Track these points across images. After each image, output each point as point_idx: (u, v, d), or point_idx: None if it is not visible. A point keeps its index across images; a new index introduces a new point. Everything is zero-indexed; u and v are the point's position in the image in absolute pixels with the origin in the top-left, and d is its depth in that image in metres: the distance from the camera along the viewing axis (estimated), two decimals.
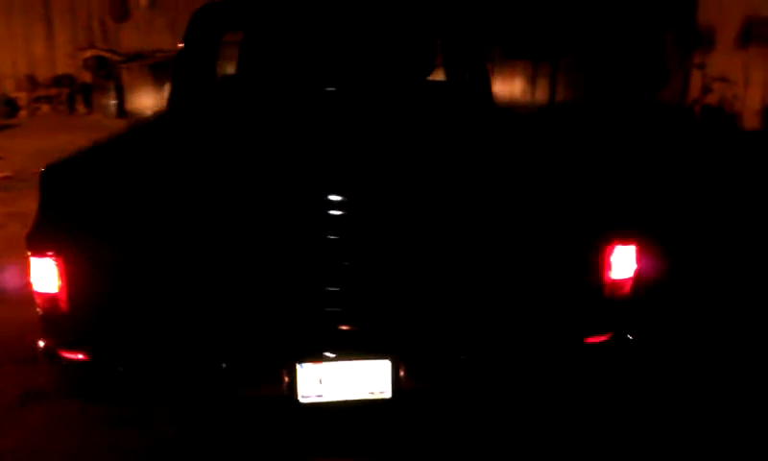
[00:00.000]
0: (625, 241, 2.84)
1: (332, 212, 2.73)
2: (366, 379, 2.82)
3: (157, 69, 12.79)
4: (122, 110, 13.03)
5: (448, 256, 2.77)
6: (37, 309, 2.81)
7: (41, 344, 2.85)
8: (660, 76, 13.55)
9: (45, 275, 2.73)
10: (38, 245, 2.72)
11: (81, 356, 2.80)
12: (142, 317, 2.75)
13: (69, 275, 2.71)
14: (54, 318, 2.79)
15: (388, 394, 2.84)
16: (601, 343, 2.92)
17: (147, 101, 12.93)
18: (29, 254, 2.74)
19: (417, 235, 2.76)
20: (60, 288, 2.73)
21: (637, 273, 2.88)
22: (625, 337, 2.92)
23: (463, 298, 2.81)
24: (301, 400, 2.81)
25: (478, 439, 3.18)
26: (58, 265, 2.71)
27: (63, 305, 2.75)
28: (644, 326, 2.96)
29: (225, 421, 3.14)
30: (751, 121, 10.92)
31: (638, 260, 2.87)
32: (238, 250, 2.74)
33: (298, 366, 2.78)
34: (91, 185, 2.78)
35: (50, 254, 2.70)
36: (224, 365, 2.76)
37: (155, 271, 2.74)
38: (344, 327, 2.81)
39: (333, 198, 2.72)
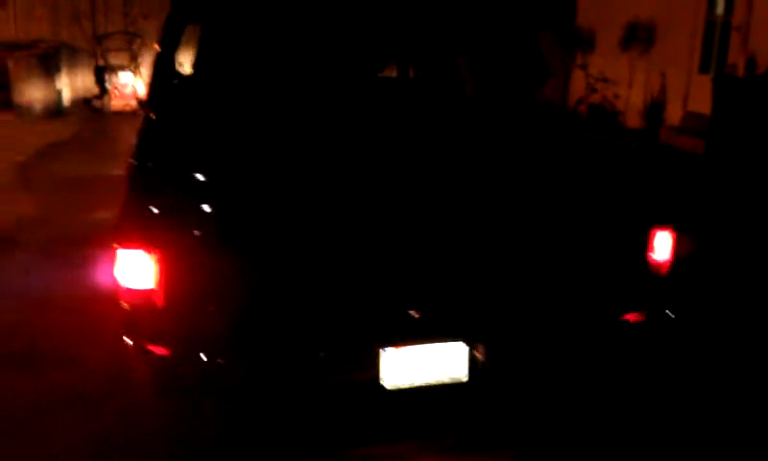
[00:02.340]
0: (664, 227, 3.19)
1: (410, 211, 2.90)
2: (444, 363, 3.01)
3: (46, 60, 12.25)
4: (8, 102, 12.35)
5: (516, 245, 3.02)
6: (123, 304, 2.80)
7: (130, 341, 2.84)
8: (543, 75, 14.30)
9: (137, 270, 2.73)
10: (132, 239, 2.72)
11: (174, 351, 2.81)
12: (239, 312, 2.81)
13: (164, 270, 2.73)
14: (145, 314, 2.79)
15: (465, 377, 3.03)
16: (646, 319, 3.25)
17: (37, 92, 12.36)
18: (117, 247, 2.73)
19: (487, 228, 2.98)
20: (157, 283, 2.74)
21: (674, 256, 3.22)
22: (665, 313, 3.27)
23: (530, 284, 3.06)
24: (385, 384, 2.96)
25: (540, 417, 3.43)
26: (154, 260, 2.72)
27: (157, 301, 2.76)
28: (682, 304, 3.30)
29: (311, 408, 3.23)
30: (633, 120, 11.78)
31: (675, 245, 3.22)
32: (327, 246, 2.85)
33: (381, 351, 2.93)
34: (186, 178, 2.80)
35: (145, 248, 2.70)
36: (321, 353, 2.87)
37: (250, 267, 2.80)
38: (420, 314, 2.98)
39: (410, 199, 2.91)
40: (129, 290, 2.77)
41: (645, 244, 3.16)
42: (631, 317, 3.28)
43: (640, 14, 11.41)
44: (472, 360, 3.04)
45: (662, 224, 3.17)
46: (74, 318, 4.34)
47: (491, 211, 3.01)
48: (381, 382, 2.97)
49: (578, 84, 13.36)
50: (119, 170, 8.58)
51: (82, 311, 4.40)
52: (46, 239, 6.10)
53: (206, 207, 2.78)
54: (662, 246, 3.20)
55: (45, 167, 9.29)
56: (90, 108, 14.07)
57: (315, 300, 2.87)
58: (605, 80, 12.32)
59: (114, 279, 2.86)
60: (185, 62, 4.89)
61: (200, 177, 2.87)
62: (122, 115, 13.62)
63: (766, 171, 8.33)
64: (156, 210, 2.73)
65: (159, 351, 2.82)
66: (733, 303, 4.75)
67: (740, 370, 4.01)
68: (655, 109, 11.54)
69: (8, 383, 3.68)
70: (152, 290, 2.75)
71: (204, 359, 2.82)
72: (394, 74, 5.31)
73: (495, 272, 3.03)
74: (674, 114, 11.07)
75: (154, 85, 4.38)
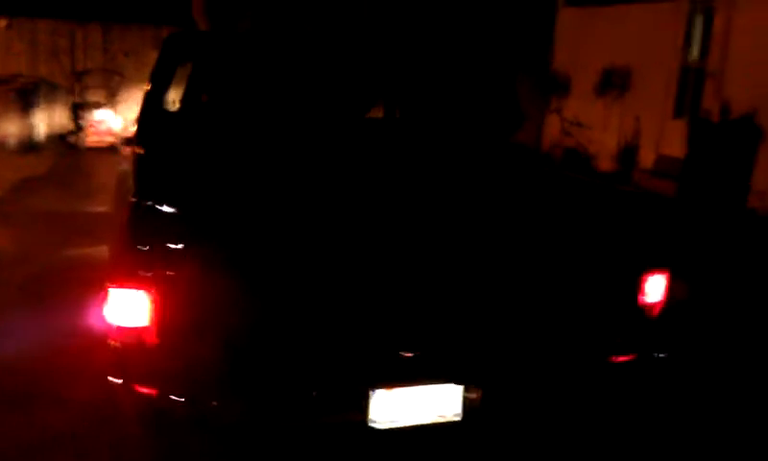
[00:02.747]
0: (657, 270, 3.22)
1: (403, 255, 2.91)
2: (435, 404, 2.99)
3: (23, 95, 12.19)
4: None
5: (509, 289, 3.03)
6: (113, 343, 2.76)
7: (116, 380, 2.79)
8: (518, 119, 14.46)
9: (130, 308, 2.70)
10: (127, 277, 2.69)
11: (165, 390, 2.77)
12: (232, 351, 2.78)
13: (157, 309, 2.70)
14: (134, 353, 2.75)
15: (458, 417, 3.02)
16: (635, 360, 3.27)
17: (12, 127, 12.28)
18: (108, 285, 2.70)
19: (480, 271, 3.00)
20: (148, 323, 2.70)
21: (666, 298, 3.26)
22: (657, 355, 3.29)
23: (522, 326, 3.07)
24: (372, 424, 2.94)
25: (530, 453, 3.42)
26: (148, 299, 2.69)
27: (147, 340, 2.72)
28: (672, 345, 3.32)
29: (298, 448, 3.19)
30: (606, 163, 11.94)
31: (668, 288, 3.25)
32: (320, 288, 2.84)
33: (371, 392, 2.91)
34: (179, 217, 2.79)
35: (139, 287, 2.67)
36: (314, 393, 2.84)
37: (243, 307, 2.78)
38: (412, 356, 2.97)
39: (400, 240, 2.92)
40: (121, 329, 2.73)
41: (637, 287, 3.18)
42: (621, 358, 3.29)
43: (616, 60, 11.62)
44: (465, 401, 3.02)
45: (655, 267, 3.20)
46: (59, 357, 4.26)
47: (483, 255, 3.03)
48: (370, 423, 2.93)
49: (553, 127, 13.54)
50: (95, 206, 8.61)
51: (66, 351, 4.32)
52: (25, 277, 6.00)
53: (199, 247, 2.75)
54: (654, 289, 3.23)
55: (20, 202, 9.18)
56: (65, 143, 13.99)
57: (307, 341, 2.85)
58: (579, 124, 12.51)
59: (104, 318, 2.82)
60: (173, 101, 4.91)
61: (193, 215, 2.84)
62: (96, 151, 13.55)
63: (739, 212, 8.49)
64: (146, 249, 2.70)
65: (151, 390, 2.77)
66: (721, 343, 4.80)
67: (731, 406, 4.02)
68: (628, 152, 11.71)
69: None
70: (144, 328, 2.71)
71: (196, 400, 2.77)
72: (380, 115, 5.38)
73: (488, 314, 3.04)
74: (647, 158, 11.24)
75: (144, 123, 4.37)
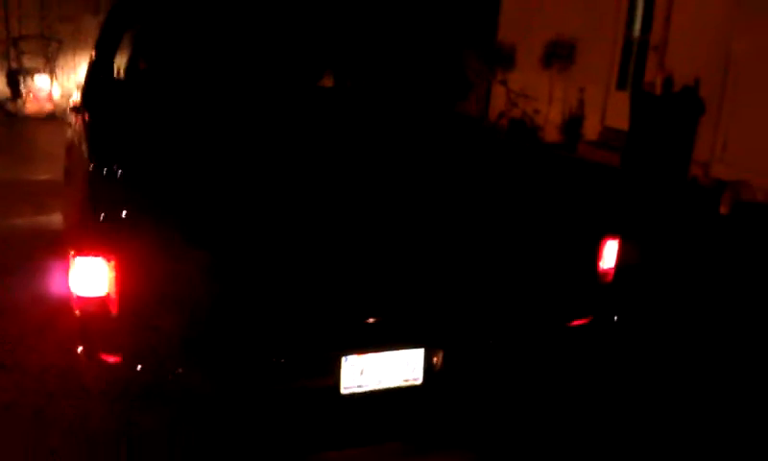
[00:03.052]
0: (613, 236, 3.31)
1: (371, 222, 2.94)
2: (401, 368, 3.05)
3: None
4: None
5: (473, 255, 3.09)
6: (76, 311, 2.74)
7: (80, 348, 2.76)
8: (463, 89, 14.57)
9: (93, 277, 2.67)
10: (89, 245, 2.66)
11: (129, 359, 2.75)
12: (195, 318, 2.77)
13: (120, 276, 2.67)
14: (98, 321, 2.73)
15: (420, 380, 3.08)
16: (590, 322, 3.37)
17: None
18: (73, 254, 2.67)
19: (444, 238, 3.05)
20: (111, 291, 2.68)
21: (618, 263, 3.35)
22: (611, 318, 3.39)
23: (484, 289, 3.13)
24: (343, 390, 2.98)
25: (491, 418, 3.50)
26: (110, 267, 2.66)
27: (111, 308, 2.70)
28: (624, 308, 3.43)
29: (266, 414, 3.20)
30: (552, 134, 12.10)
31: (619, 253, 3.35)
32: (288, 254, 2.85)
33: (342, 358, 2.94)
34: (146, 182, 2.76)
35: (102, 255, 2.65)
36: (282, 360, 2.86)
37: (209, 273, 2.77)
38: (379, 321, 3.01)
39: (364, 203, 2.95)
40: (84, 297, 2.69)
41: (596, 253, 3.26)
42: (578, 322, 3.38)
43: (561, 33, 11.74)
44: (428, 365, 3.08)
45: (609, 233, 3.29)
46: (17, 327, 4.17)
47: (447, 222, 3.06)
48: (341, 388, 2.97)
49: (499, 99, 13.64)
50: (38, 174, 8.41)
51: (24, 320, 4.24)
52: None
53: (163, 212, 2.73)
54: (609, 254, 3.31)
55: None
56: (3, 110, 13.57)
57: (277, 308, 2.86)
58: (525, 96, 12.63)
59: (63, 287, 2.79)
60: (119, 67, 4.82)
61: (154, 183, 2.81)
62: (37, 119, 13.19)
63: (681, 181, 8.72)
64: (108, 217, 2.66)
65: (114, 358, 2.75)
66: (669, 305, 4.96)
67: (679, 369, 4.17)
68: (573, 123, 11.89)
69: None
70: (107, 297, 2.68)
71: (161, 367, 2.76)
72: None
73: (453, 280, 3.08)
74: (592, 129, 11.44)
75: (92, 90, 4.30)
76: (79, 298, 2.72)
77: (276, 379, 2.95)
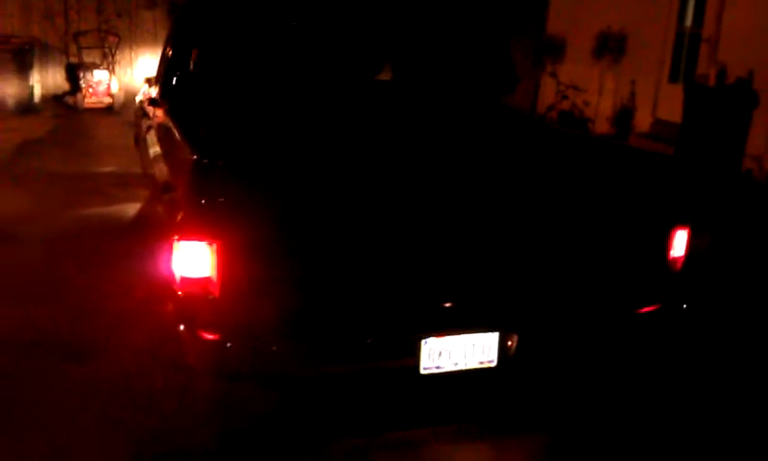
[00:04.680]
0: (683, 226, 3.42)
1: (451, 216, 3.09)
2: (477, 350, 3.20)
3: (19, 55, 12.19)
4: None
5: (548, 244, 3.23)
6: (179, 292, 2.93)
7: (182, 326, 2.96)
8: (512, 81, 14.57)
9: (196, 260, 2.86)
10: (194, 230, 2.85)
11: (228, 338, 2.94)
12: (290, 300, 2.95)
13: (222, 260, 2.86)
14: (200, 302, 2.92)
15: (494, 362, 3.23)
16: (660, 309, 3.49)
17: (9, 88, 12.28)
18: (177, 238, 2.86)
19: (522, 228, 3.19)
20: (213, 273, 2.87)
21: (688, 252, 3.46)
22: (680, 306, 3.51)
23: (556, 276, 3.27)
24: (423, 371, 3.14)
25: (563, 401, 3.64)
26: (212, 250, 2.85)
27: (213, 290, 2.89)
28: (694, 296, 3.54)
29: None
30: (602, 126, 12.12)
31: (689, 242, 3.46)
32: (378, 241, 3.02)
33: (422, 341, 3.10)
34: (244, 171, 2.94)
35: (206, 239, 2.83)
36: (369, 340, 3.04)
37: (302, 259, 2.95)
38: (457, 306, 3.17)
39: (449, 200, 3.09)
40: (187, 279, 2.89)
41: (666, 242, 3.38)
42: (648, 309, 3.50)
43: (612, 24, 11.75)
44: (502, 348, 3.23)
45: (680, 222, 3.40)
46: (114, 311, 4.40)
47: (521, 212, 3.21)
48: (420, 369, 3.13)
49: (548, 90, 13.67)
50: (102, 167, 8.70)
51: (119, 305, 4.46)
52: (47, 234, 6.11)
53: (262, 200, 2.91)
54: (680, 243, 3.42)
55: (27, 164, 9.24)
56: (63, 104, 13.98)
57: (364, 291, 3.03)
58: (575, 87, 12.63)
59: (168, 269, 2.99)
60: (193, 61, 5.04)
61: (252, 170, 2.99)
62: (95, 112, 13.57)
63: (735, 175, 8.71)
64: (211, 203, 2.85)
65: (214, 336, 2.94)
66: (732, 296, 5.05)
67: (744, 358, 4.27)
68: (624, 116, 11.88)
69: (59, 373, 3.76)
70: (209, 278, 2.87)
71: (258, 345, 2.95)
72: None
73: (527, 267, 3.23)
74: (643, 122, 11.43)
75: (170, 83, 4.52)
76: (182, 279, 2.91)
77: (363, 359, 3.12)
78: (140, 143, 6.39)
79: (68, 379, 3.67)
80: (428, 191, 3.10)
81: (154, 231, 3.91)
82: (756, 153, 8.82)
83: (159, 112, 4.66)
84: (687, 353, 4.17)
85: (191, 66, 4.70)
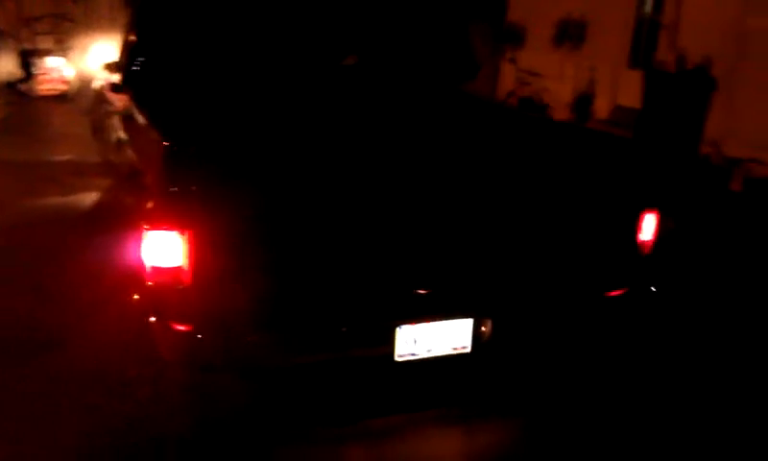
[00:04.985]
0: (651, 210, 3.45)
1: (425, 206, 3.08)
2: (451, 336, 3.20)
3: None
4: None
5: (519, 230, 3.23)
6: (150, 283, 2.87)
7: (152, 318, 2.90)
8: (472, 68, 14.60)
9: (167, 249, 2.80)
10: (164, 219, 2.78)
11: (203, 328, 2.89)
12: (266, 289, 2.91)
13: (194, 249, 2.81)
14: (171, 292, 2.86)
15: (469, 348, 3.23)
16: (629, 292, 3.52)
17: None
18: (147, 227, 2.80)
19: (494, 215, 3.19)
20: (185, 262, 2.81)
21: (656, 236, 3.50)
22: (649, 288, 3.54)
23: (528, 261, 3.28)
24: (397, 358, 3.13)
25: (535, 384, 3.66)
26: (184, 239, 2.79)
27: (184, 279, 2.84)
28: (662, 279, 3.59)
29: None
30: (562, 112, 12.18)
31: (658, 226, 3.49)
32: (351, 229, 2.99)
33: (397, 328, 3.09)
34: (216, 159, 2.88)
35: (177, 228, 2.78)
36: (344, 329, 3.02)
37: (275, 247, 2.91)
38: (431, 293, 3.16)
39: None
40: (158, 269, 2.82)
41: (635, 226, 3.41)
42: (617, 292, 3.53)
43: (572, 11, 11.83)
44: (476, 334, 3.23)
45: (649, 206, 3.43)
46: (81, 302, 4.31)
47: (492, 198, 3.20)
48: (395, 356, 3.12)
49: (508, 77, 13.73)
50: (58, 155, 8.50)
51: (85, 294, 4.37)
52: (5, 224, 5.97)
53: (233, 188, 2.86)
54: (648, 227, 3.45)
55: None
56: (16, 92, 13.67)
57: (338, 280, 3.00)
58: (535, 74, 12.72)
59: (138, 259, 2.92)
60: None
61: (224, 158, 2.94)
62: (49, 100, 13.30)
63: (691, 160, 8.85)
64: (182, 191, 2.79)
65: (186, 327, 2.89)
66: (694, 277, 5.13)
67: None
68: (583, 102, 11.99)
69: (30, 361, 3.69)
70: (180, 268, 2.81)
71: (231, 335, 2.91)
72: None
73: (500, 253, 3.23)
74: (602, 108, 11.55)
75: (136, 70, 4.44)
76: (153, 269, 2.85)
77: (338, 348, 3.10)
78: (99, 131, 6.26)
79: (39, 368, 3.59)
80: (399, 179, 3.08)
81: (119, 220, 3.83)
82: (714, 137, 8.96)
83: (123, 99, 4.57)
84: (657, 334, 4.22)
85: (156, 52, 4.60)
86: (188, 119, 3.47)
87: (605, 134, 4.67)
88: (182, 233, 2.78)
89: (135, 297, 3.42)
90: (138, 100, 4.03)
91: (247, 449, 3.10)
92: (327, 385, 3.42)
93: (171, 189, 2.80)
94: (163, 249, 2.82)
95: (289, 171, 2.97)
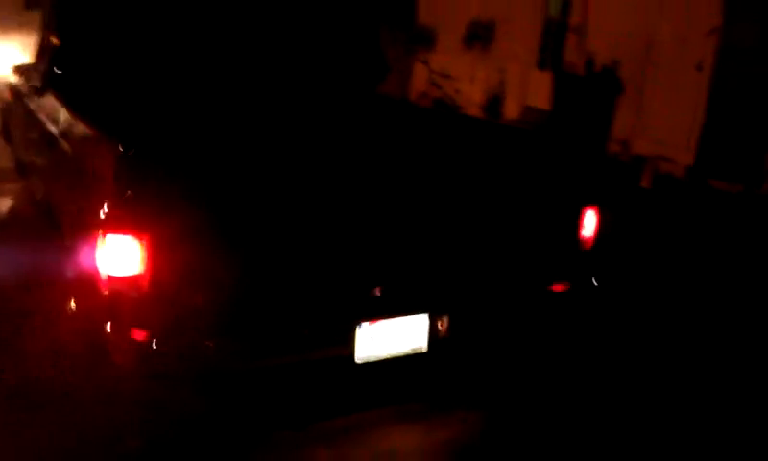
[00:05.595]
0: (591, 206, 3.60)
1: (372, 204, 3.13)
2: (409, 334, 3.26)
3: None
4: None
5: (468, 229, 3.32)
6: (105, 291, 2.81)
7: (108, 326, 2.84)
8: (381, 71, 14.70)
9: (125, 255, 2.75)
10: (121, 225, 2.73)
11: (161, 336, 2.85)
12: (226, 294, 2.89)
13: (152, 254, 2.77)
14: (129, 299, 2.81)
15: (426, 346, 3.30)
16: (572, 286, 3.66)
17: None
18: (103, 233, 2.74)
19: (443, 216, 3.27)
20: (143, 268, 2.77)
21: (597, 232, 3.65)
22: (591, 281, 3.69)
23: (480, 261, 3.37)
24: (357, 360, 3.17)
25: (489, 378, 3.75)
26: (142, 245, 2.75)
27: (142, 286, 2.79)
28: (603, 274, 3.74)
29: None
30: (473, 114, 12.45)
31: (598, 222, 3.64)
32: (309, 232, 3.01)
33: (357, 327, 3.13)
34: (172, 162, 2.84)
35: (134, 233, 2.73)
36: (305, 332, 3.02)
37: (231, 249, 2.89)
38: (391, 291, 3.21)
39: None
40: (114, 276, 2.77)
41: (577, 222, 3.54)
42: (558, 287, 3.66)
43: (481, 14, 12.08)
44: (432, 331, 3.29)
45: (590, 203, 3.57)
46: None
47: (443, 200, 3.28)
48: (354, 357, 3.14)
49: (419, 79, 13.89)
50: None
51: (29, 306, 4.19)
52: None
53: (190, 191, 2.82)
54: (589, 223, 3.60)
55: None
56: None
57: (296, 281, 3.01)
58: (446, 76, 12.92)
59: (89, 265, 2.85)
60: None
61: (180, 161, 2.90)
62: None
63: (602, 157, 9.20)
64: (138, 196, 2.74)
65: (145, 335, 2.84)
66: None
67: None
68: (494, 103, 12.27)
69: None
70: (138, 275, 2.76)
71: (191, 342, 2.87)
72: None
73: (452, 253, 3.31)
74: (513, 108, 11.84)
75: (63, 72, 4.33)
76: (109, 277, 2.78)
77: (298, 350, 3.11)
78: (14, 135, 6.04)
79: None
80: (352, 182, 3.11)
81: (38, 228, 3.72)
82: (622, 137, 9.34)
83: (50, 102, 4.41)
84: (599, 325, 4.39)
85: (86, 52, 4.46)
86: (136, 122, 3.39)
87: (545, 133, 4.81)
88: (140, 239, 2.73)
89: (72, 306, 3.33)
90: (71, 103, 3.91)
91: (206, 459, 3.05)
92: (286, 389, 3.41)
93: (126, 194, 2.74)
94: (120, 255, 2.76)
95: (243, 174, 2.95)
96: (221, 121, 3.88)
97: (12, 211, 6.25)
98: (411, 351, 3.30)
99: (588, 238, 3.64)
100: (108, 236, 2.74)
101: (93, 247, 2.83)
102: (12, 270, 4.59)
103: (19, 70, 6.30)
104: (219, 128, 3.59)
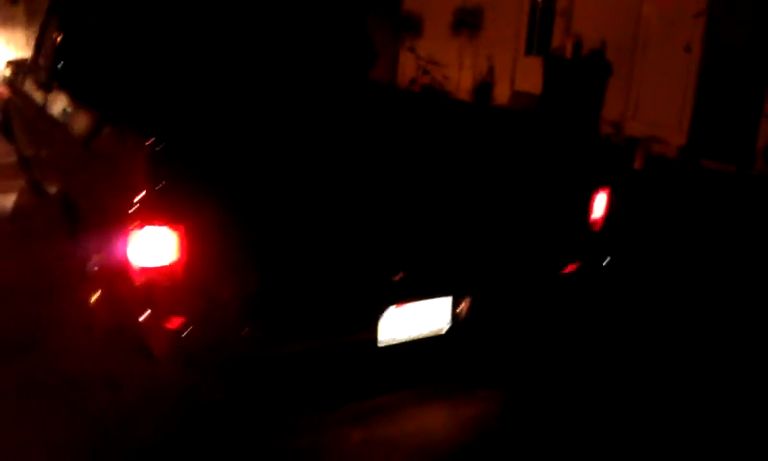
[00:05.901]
0: (602, 189, 3.70)
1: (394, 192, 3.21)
2: (431, 317, 3.35)
3: None
4: None
5: (487, 214, 3.41)
6: (140, 281, 2.88)
7: (144, 316, 2.91)
8: (370, 58, 14.75)
9: (159, 246, 2.82)
10: (155, 216, 2.80)
11: (195, 324, 2.92)
12: (255, 282, 2.96)
13: (186, 244, 2.83)
14: (164, 289, 2.88)
15: (448, 327, 3.39)
16: (583, 266, 3.77)
17: None
18: (136, 225, 2.80)
19: (463, 201, 3.35)
20: (178, 258, 2.84)
21: (606, 213, 3.76)
22: (601, 263, 3.80)
23: (498, 245, 3.47)
24: (381, 342, 3.25)
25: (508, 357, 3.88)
26: (176, 236, 2.82)
27: (178, 276, 2.86)
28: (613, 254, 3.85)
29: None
30: (463, 99, 12.56)
31: (608, 204, 3.74)
32: (337, 220, 3.08)
33: (380, 312, 3.22)
34: (203, 153, 2.91)
35: (168, 224, 2.79)
36: (332, 317, 3.11)
37: (261, 239, 2.97)
38: (415, 275, 3.29)
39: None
40: (150, 267, 2.83)
41: (588, 205, 3.64)
42: (570, 268, 3.76)
43: (468, 1, 12.17)
44: (454, 313, 3.39)
45: (602, 185, 3.67)
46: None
47: (461, 185, 3.36)
48: (378, 341, 3.23)
49: (408, 66, 13.97)
50: None
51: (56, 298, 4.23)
52: None
53: (223, 181, 2.89)
54: (599, 205, 3.70)
55: None
56: None
57: (325, 267, 3.08)
58: (434, 62, 13.00)
59: (121, 257, 2.91)
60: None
61: (211, 152, 2.96)
62: None
63: (595, 139, 9.31)
64: (174, 187, 2.80)
65: (180, 324, 2.90)
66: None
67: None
68: (483, 88, 12.38)
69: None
70: (173, 264, 2.83)
71: (224, 329, 2.95)
72: None
73: (471, 237, 3.39)
74: (502, 94, 11.96)
75: (73, 66, 4.38)
76: (143, 267, 2.85)
77: (327, 334, 3.19)
78: (15, 130, 6.06)
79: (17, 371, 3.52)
80: (377, 171, 3.18)
81: (59, 221, 3.78)
82: (614, 119, 9.46)
83: (60, 97, 4.44)
84: (610, 305, 4.50)
85: (97, 46, 4.48)
86: (160, 115, 3.46)
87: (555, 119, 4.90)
88: (173, 229, 2.80)
89: (95, 297, 3.40)
90: (83, 99, 3.97)
91: (237, 444, 3.13)
92: (314, 373, 3.49)
93: (160, 186, 2.79)
94: (154, 245, 2.82)
95: (269, 165, 3.02)
96: (240, 113, 3.94)
97: (17, 206, 6.28)
98: (433, 333, 3.38)
99: (598, 220, 3.74)
100: (142, 228, 2.80)
101: (122, 239, 2.88)
102: (30, 263, 4.64)
103: (14, 65, 6.30)
104: (239, 120, 3.65)
